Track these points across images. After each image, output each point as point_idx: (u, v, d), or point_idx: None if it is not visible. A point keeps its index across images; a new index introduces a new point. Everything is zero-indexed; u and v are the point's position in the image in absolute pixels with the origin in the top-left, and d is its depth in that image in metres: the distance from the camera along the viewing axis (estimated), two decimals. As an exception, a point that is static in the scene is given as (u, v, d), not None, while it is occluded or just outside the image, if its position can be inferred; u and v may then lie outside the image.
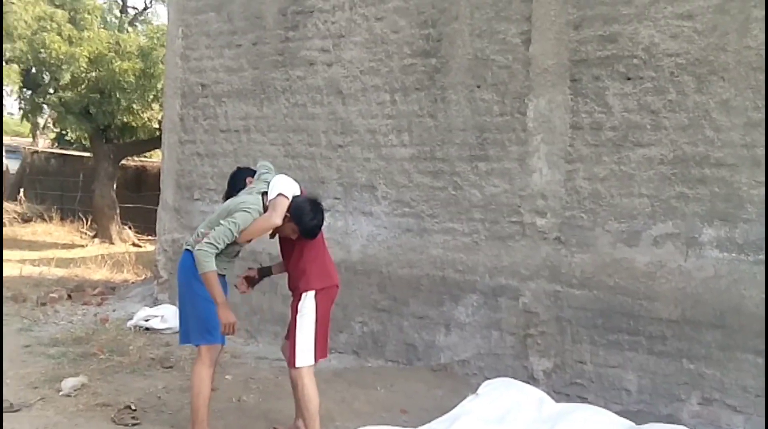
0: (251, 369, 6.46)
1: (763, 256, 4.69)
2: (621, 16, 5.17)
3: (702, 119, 4.88)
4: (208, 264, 4.14)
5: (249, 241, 4.45)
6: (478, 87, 5.89)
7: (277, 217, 4.23)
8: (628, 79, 5.16)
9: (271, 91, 7.23)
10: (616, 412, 4.80)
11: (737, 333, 4.80)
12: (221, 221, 4.27)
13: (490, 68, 5.82)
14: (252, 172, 4.76)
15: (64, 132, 18.67)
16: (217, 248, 4.17)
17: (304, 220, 4.29)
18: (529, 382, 5.36)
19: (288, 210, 4.26)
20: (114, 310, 8.37)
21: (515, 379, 5.33)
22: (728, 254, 4.82)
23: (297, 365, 4.34)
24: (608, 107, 5.25)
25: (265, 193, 4.38)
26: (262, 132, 7.32)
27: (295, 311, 4.42)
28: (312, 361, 4.37)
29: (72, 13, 15.16)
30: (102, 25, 16.56)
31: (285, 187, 4.35)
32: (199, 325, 4.41)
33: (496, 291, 5.87)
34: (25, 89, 15.79)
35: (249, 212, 4.26)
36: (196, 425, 4.42)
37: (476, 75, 5.90)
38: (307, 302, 4.37)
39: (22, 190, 20.00)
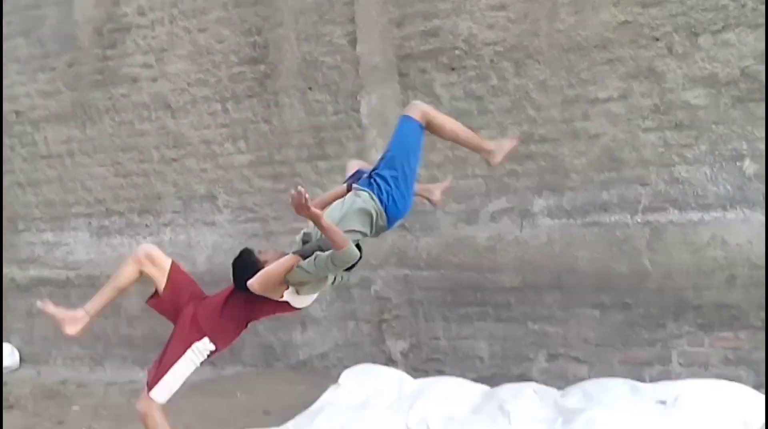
0: (100, 397, 5.85)
1: (590, 219, 4.83)
2: (439, 11, 5.12)
3: (523, 100, 4.92)
4: None
5: None
6: (310, 89, 5.64)
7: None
8: (453, 69, 5.13)
9: (94, 112, 6.53)
10: (473, 380, 4.76)
11: (574, 291, 4.89)
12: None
13: (320, 70, 5.59)
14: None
15: None
16: None
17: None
18: (388, 365, 5.22)
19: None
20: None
21: (375, 364, 5.18)
22: (558, 220, 4.91)
23: (151, 395, 3.60)
24: (437, 97, 5.17)
25: None
26: (87, 154, 6.60)
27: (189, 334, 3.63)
28: (164, 400, 3.64)
29: None
30: None
31: None
32: None
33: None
34: None
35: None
36: None
37: (307, 77, 5.64)
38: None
39: None
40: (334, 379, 4.96)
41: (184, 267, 5.96)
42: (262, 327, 5.96)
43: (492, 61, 5.00)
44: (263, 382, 5.64)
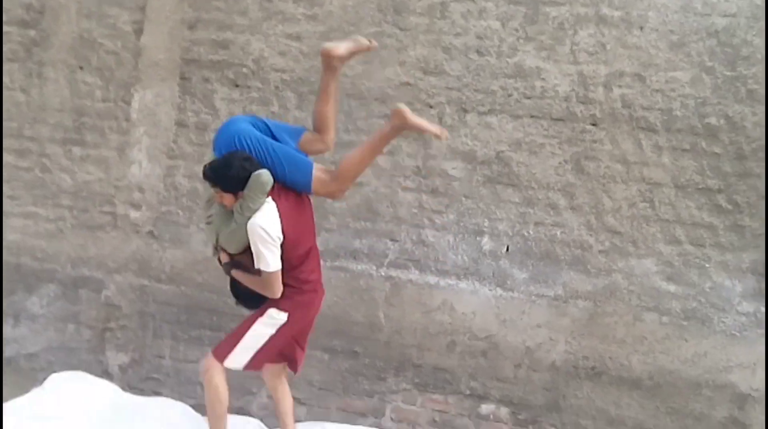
0: None
1: (339, 263, 5.43)
2: (235, 24, 5.51)
3: (299, 134, 5.46)
4: None
5: None
6: (81, 68, 5.78)
7: None
8: (237, 86, 5.53)
9: None
10: (191, 406, 5.12)
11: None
12: None
13: (97, 51, 5.75)
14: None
15: None
16: None
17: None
18: (102, 377, 5.40)
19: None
20: None
21: (88, 373, 5.34)
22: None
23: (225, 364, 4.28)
24: (215, 110, 5.56)
25: None
26: None
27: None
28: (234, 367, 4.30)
29: None
30: None
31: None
32: None
33: (78, 282, 5.79)
34: None
35: None
36: None
37: (80, 55, 5.78)
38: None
39: None
40: (40, 383, 5.09)
41: None
42: (-34, 315, 5.96)
43: (277, 87, 5.49)
44: (-46, 377, 5.53)
